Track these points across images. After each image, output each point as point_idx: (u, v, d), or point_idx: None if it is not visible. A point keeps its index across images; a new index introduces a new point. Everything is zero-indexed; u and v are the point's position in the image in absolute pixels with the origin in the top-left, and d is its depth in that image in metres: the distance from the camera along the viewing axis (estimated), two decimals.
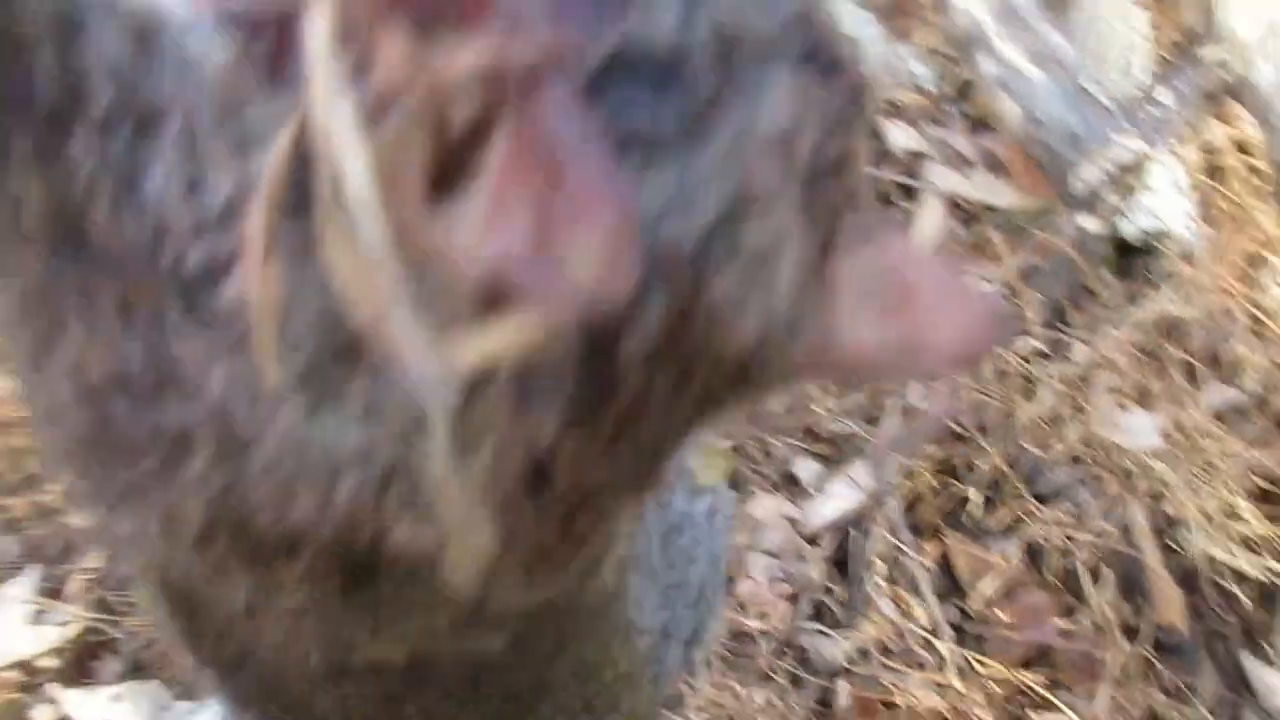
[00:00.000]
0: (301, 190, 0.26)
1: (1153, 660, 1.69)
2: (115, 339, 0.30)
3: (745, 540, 1.77)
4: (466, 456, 0.29)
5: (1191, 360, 1.82)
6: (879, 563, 1.75)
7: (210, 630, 0.46)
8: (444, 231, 0.24)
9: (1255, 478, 1.78)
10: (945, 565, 1.82)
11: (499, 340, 0.26)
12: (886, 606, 1.70)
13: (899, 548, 1.76)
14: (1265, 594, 1.77)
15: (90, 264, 0.30)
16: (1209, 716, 1.64)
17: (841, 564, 1.82)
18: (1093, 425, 1.71)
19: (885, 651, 1.68)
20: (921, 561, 1.75)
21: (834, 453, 1.87)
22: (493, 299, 0.26)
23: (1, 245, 0.31)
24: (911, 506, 1.83)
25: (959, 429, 1.77)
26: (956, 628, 1.75)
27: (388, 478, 0.31)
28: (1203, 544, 1.70)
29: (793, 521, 1.78)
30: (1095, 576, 1.72)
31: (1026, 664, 1.72)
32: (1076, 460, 1.78)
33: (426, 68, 0.22)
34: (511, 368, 0.28)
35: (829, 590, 1.77)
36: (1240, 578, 1.72)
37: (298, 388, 0.29)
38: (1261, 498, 1.80)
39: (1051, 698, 1.65)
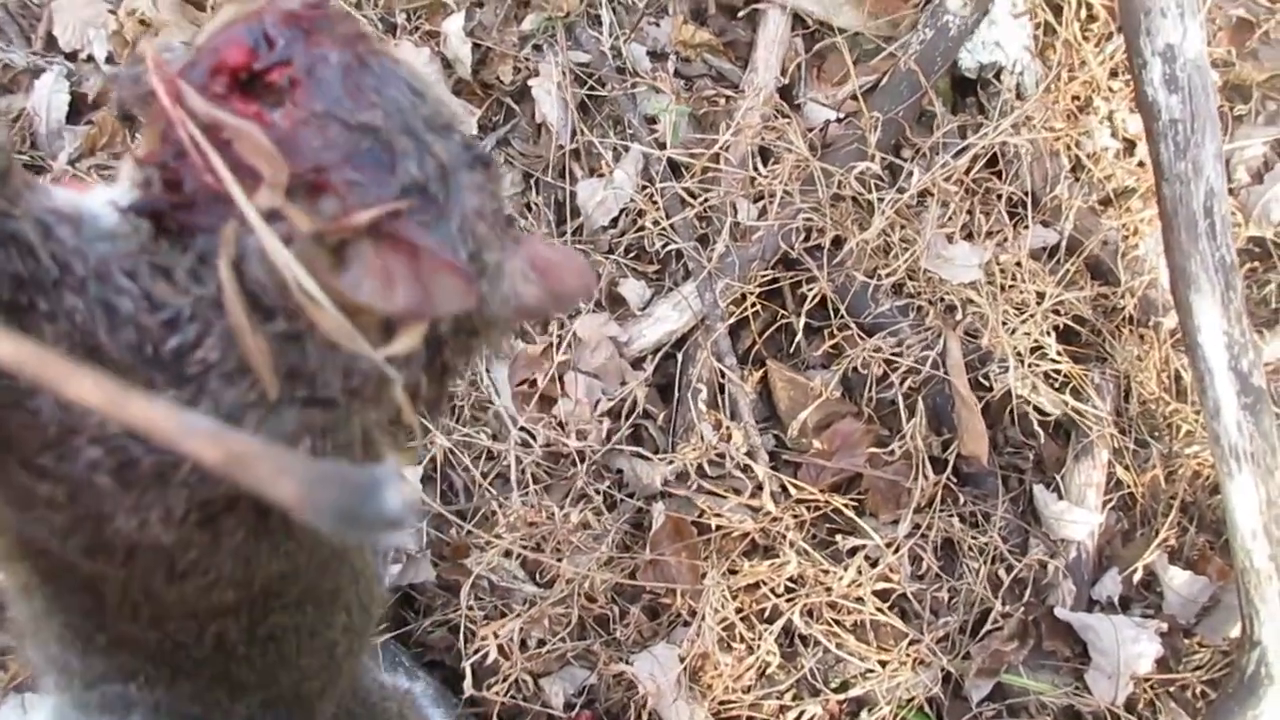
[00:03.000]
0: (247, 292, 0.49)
1: (953, 489, 1.74)
2: None
3: (567, 359, 1.68)
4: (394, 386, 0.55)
5: (1017, 196, 1.83)
6: (702, 388, 1.70)
7: (125, 608, 0.64)
8: (348, 287, 0.49)
9: (1061, 317, 1.83)
10: (766, 392, 1.80)
11: (407, 341, 0.52)
12: (707, 431, 1.66)
13: (722, 373, 1.71)
14: (1060, 429, 1.85)
15: (101, 367, 0.46)
16: (1000, 542, 1.71)
17: (664, 388, 1.77)
18: (920, 256, 1.69)
19: (703, 475, 1.65)
20: (744, 387, 1.71)
21: (662, 273, 1.79)
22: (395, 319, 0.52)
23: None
24: (735, 331, 1.78)
25: (790, 251, 1.71)
26: (772, 454, 1.74)
27: (325, 433, 0.53)
28: (1010, 379, 1.74)
29: (616, 343, 1.69)
30: (910, 408, 1.73)
31: (836, 491, 1.73)
32: (900, 290, 1.77)
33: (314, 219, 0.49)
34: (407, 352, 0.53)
35: (649, 414, 1.71)
36: (1039, 413, 1.78)
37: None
38: (1064, 337, 1.85)
39: (858, 520, 1.67)
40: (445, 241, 0.52)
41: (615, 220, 1.79)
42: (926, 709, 1.63)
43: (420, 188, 0.51)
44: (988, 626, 1.65)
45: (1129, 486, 1.80)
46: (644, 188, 1.77)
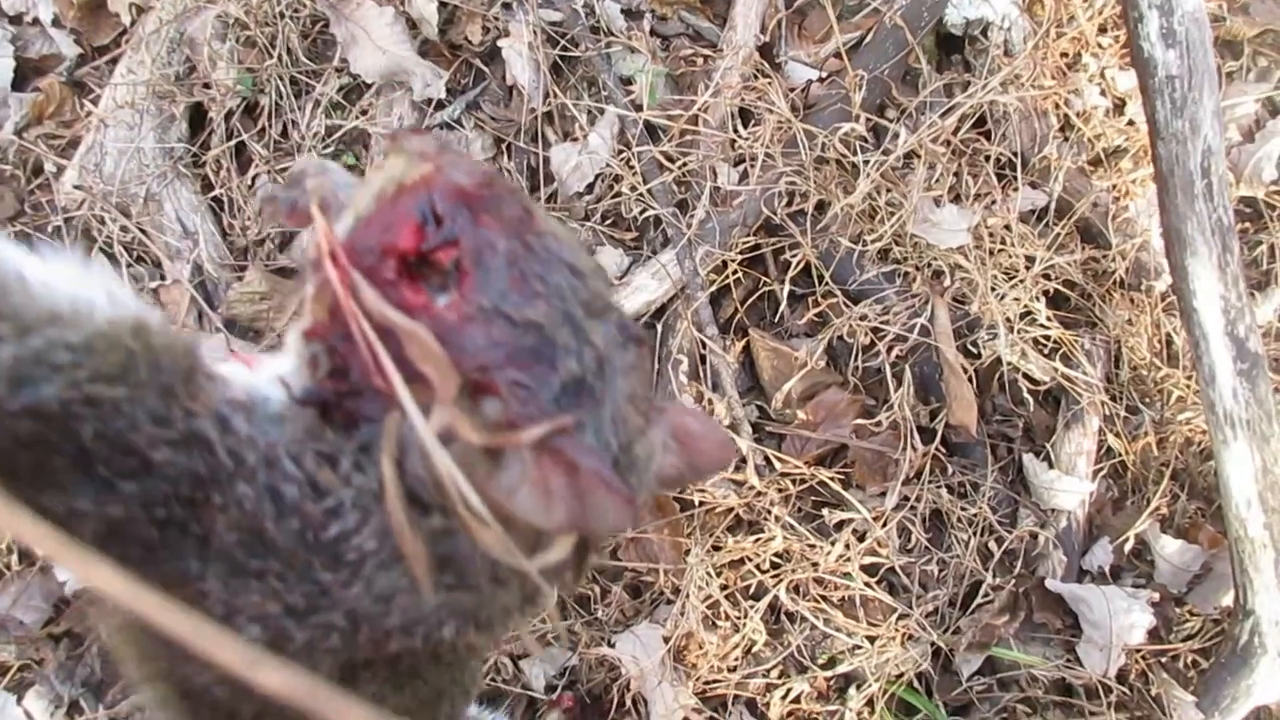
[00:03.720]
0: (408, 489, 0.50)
1: (942, 459, 1.69)
2: (282, 594, 0.50)
3: None
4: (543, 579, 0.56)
5: (1006, 157, 1.77)
6: (683, 358, 1.64)
7: None
8: (504, 493, 0.48)
9: (1051, 282, 1.78)
10: (748, 362, 1.74)
11: (559, 552, 0.53)
12: (688, 403, 1.60)
13: (704, 343, 1.65)
14: (1049, 397, 1.80)
15: (264, 555, 0.49)
16: (990, 513, 1.66)
17: None
18: (907, 220, 1.64)
19: None
20: (726, 358, 1.66)
21: (640, 241, 1.72)
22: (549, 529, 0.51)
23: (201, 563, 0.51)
24: (716, 300, 1.72)
25: (772, 216, 1.65)
26: (756, 426, 1.69)
27: (468, 615, 0.55)
28: (999, 346, 1.69)
29: None
30: (897, 377, 1.68)
31: (822, 463, 1.69)
32: (886, 256, 1.71)
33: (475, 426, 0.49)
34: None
35: None
36: (1029, 381, 1.73)
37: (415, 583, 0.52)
38: (1054, 302, 1.80)
39: (845, 493, 1.62)
40: (599, 432, 0.51)
41: (591, 186, 1.72)
42: (916, 684, 1.59)
43: (579, 382, 0.51)
44: (978, 600, 1.61)
45: (1120, 454, 1.76)
46: (620, 152, 1.70)
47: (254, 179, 1.72)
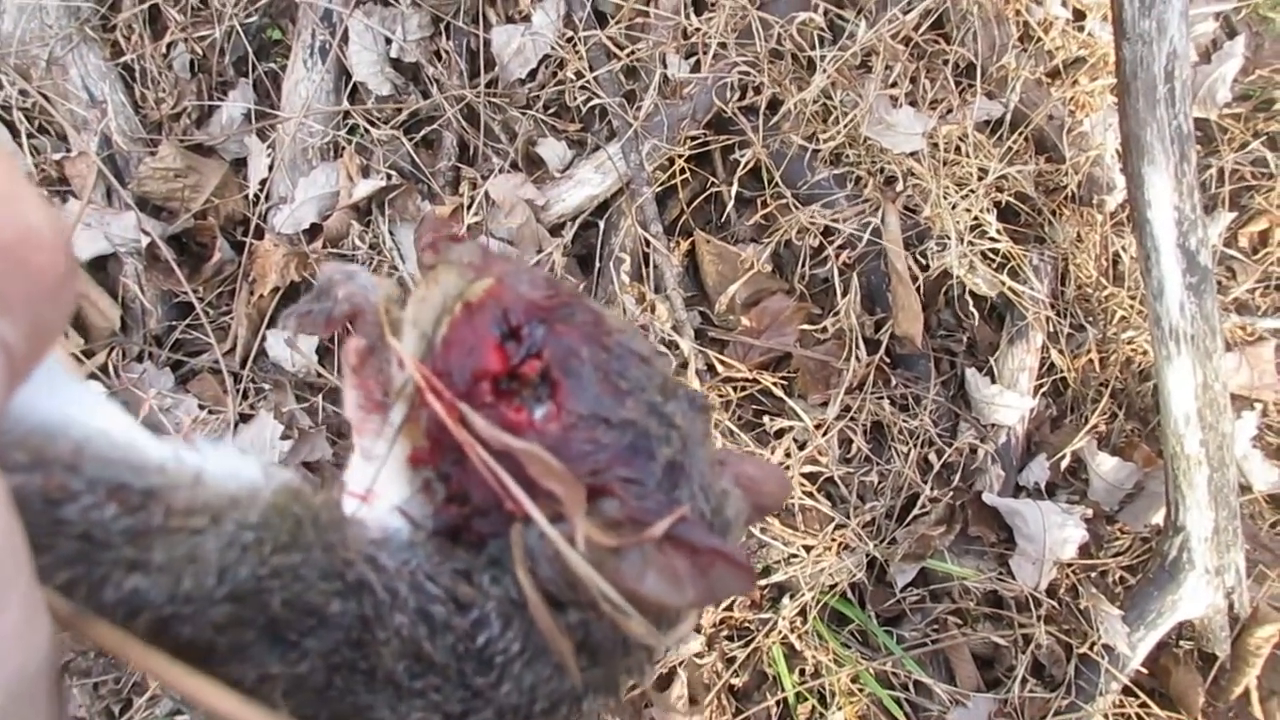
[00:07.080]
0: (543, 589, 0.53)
1: (885, 370, 1.66)
2: (442, 704, 0.54)
3: (479, 221, 1.54)
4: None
5: (964, 63, 1.71)
6: (625, 257, 1.58)
7: None
8: (632, 582, 0.51)
9: (1004, 194, 1.74)
10: (692, 266, 1.68)
11: (690, 624, 0.57)
12: (629, 303, 1.54)
13: (647, 241, 1.58)
14: (994, 313, 1.78)
15: (424, 674, 0.53)
16: (930, 426, 1.64)
17: (584, 258, 1.64)
18: (861, 122, 1.57)
19: None
20: (670, 258, 1.59)
21: (585, 132, 1.64)
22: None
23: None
24: (662, 200, 1.65)
25: (723, 110, 1.58)
26: (698, 332, 1.63)
27: (600, 686, 0.59)
28: (949, 257, 1.65)
29: (533, 206, 1.55)
30: (844, 285, 1.63)
31: (765, 370, 1.64)
32: (839, 159, 1.65)
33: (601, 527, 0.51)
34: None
35: None
36: (974, 295, 1.70)
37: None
38: (1004, 215, 1.77)
39: (787, 401, 1.58)
40: (694, 504, 0.55)
41: (534, 72, 1.62)
42: (849, 595, 1.58)
43: (673, 464, 0.54)
44: (915, 511, 1.59)
45: (1061, 371, 1.75)
46: (567, 37, 1.61)
47: (169, 47, 1.59)
